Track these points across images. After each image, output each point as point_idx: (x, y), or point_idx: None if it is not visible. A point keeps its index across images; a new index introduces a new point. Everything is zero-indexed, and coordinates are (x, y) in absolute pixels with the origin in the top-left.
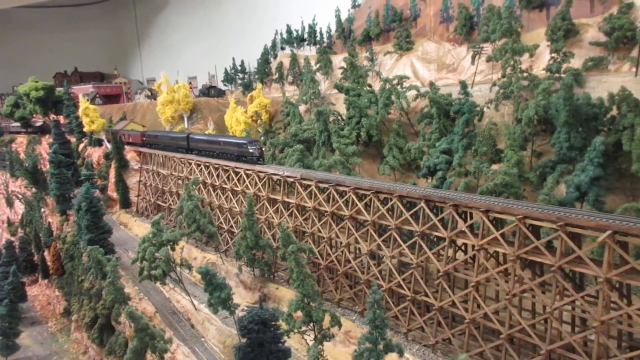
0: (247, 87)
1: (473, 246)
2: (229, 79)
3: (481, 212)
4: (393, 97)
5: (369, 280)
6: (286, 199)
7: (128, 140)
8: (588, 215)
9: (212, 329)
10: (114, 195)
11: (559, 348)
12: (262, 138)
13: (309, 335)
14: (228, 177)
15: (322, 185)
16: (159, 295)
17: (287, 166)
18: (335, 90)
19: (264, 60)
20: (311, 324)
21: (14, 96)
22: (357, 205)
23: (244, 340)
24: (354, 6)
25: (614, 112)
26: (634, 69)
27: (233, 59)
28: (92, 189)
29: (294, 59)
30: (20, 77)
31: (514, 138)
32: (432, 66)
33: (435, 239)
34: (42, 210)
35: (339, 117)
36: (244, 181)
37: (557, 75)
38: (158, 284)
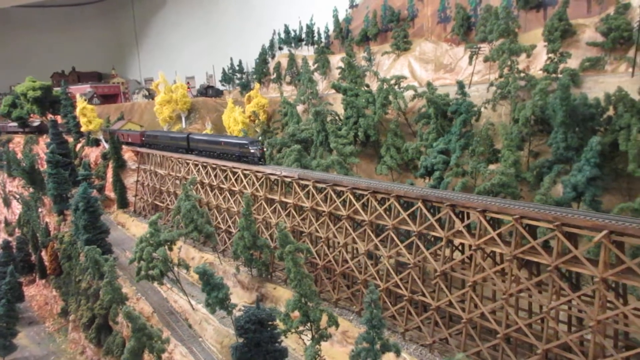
0: (245, 87)
1: (470, 246)
2: (226, 78)
3: (478, 212)
4: (390, 97)
5: (366, 280)
6: (284, 199)
7: (127, 140)
8: (584, 215)
9: (210, 329)
10: (112, 195)
11: (556, 347)
12: (260, 138)
13: (307, 335)
14: (226, 177)
15: (319, 185)
16: (156, 295)
17: (284, 166)
18: (333, 90)
19: (262, 60)
20: (308, 324)
21: (11, 96)
22: (354, 205)
23: (241, 340)
24: (351, 6)
25: (611, 112)
26: (630, 70)
27: (231, 58)
28: (89, 189)
29: (291, 59)
30: (18, 76)
31: (511, 138)
32: (430, 66)
33: (432, 239)
34: (40, 210)
35: (337, 117)
36: (242, 181)
37: (554, 75)
38: (155, 284)
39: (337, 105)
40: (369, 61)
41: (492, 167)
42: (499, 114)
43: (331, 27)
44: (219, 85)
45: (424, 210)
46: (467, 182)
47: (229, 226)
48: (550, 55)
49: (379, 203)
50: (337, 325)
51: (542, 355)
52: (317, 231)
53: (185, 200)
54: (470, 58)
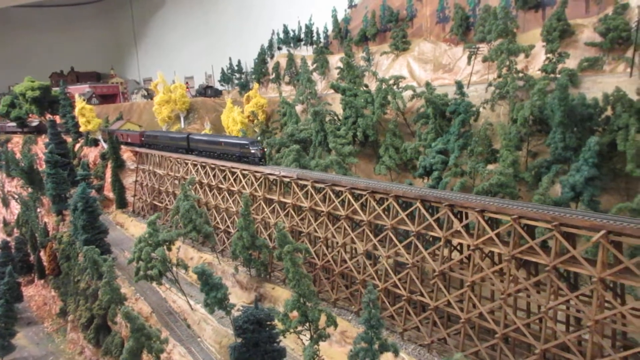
0: (244, 87)
1: (468, 246)
2: (225, 78)
3: (476, 212)
4: (389, 97)
5: (364, 280)
6: (282, 199)
7: (126, 140)
8: (582, 215)
9: (209, 329)
10: (110, 195)
11: (554, 347)
12: (259, 138)
13: (305, 335)
14: (224, 177)
15: (318, 185)
16: (155, 296)
17: (283, 166)
18: (332, 91)
19: (261, 60)
20: (307, 324)
21: (10, 96)
22: (353, 205)
23: (239, 340)
24: (350, 6)
25: (609, 112)
26: (628, 70)
27: (230, 58)
28: (88, 189)
29: (290, 59)
30: (17, 76)
31: (510, 138)
32: (429, 66)
33: (430, 239)
34: (38, 210)
35: (336, 117)
36: (241, 181)
37: (552, 75)
38: (154, 284)
39: (336, 105)
40: (367, 61)
41: (490, 167)
42: (498, 114)
43: (330, 27)
44: (217, 85)
45: (423, 210)
46: (465, 182)
47: (228, 226)
48: (548, 55)
49: (377, 203)
50: (336, 325)
51: (540, 355)
52: (316, 231)
53: (184, 200)
54: (469, 58)
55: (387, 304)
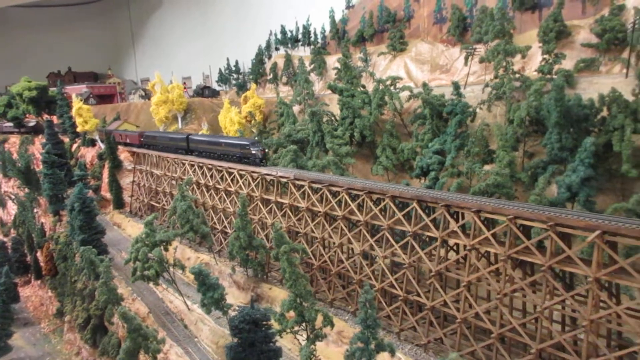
0: (242, 87)
1: (465, 246)
2: (223, 79)
3: (473, 212)
4: (386, 98)
5: (361, 280)
6: (279, 200)
7: (124, 140)
8: (578, 215)
9: (205, 329)
10: (108, 195)
11: (549, 347)
12: (257, 138)
13: (302, 335)
14: (222, 178)
15: (315, 186)
16: (152, 296)
17: (280, 166)
18: (329, 91)
19: (258, 61)
20: (304, 324)
21: (6, 96)
22: (350, 205)
23: (235, 340)
24: (348, 7)
25: (605, 113)
26: (624, 71)
27: (227, 59)
28: (85, 189)
29: (288, 59)
30: (14, 76)
31: (506, 139)
32: (426, 67)
33: (427, 239)
34: (35, 210)
35: (333, 118)
36: (238, 182)
37: (548, 76)
38: (151, 285)
39: (333, 105)
40: (365, 62)
41: (487, 167)
42: (494, 115)
43: (327, 28)
44: (215, 86)
45: (419, 211)
46: (462, 183)
47: (225, 226)
48: (545, 56)
49: (374, 203)
50: (332, 325)
51: (535, 355)
52: (313, 231)
53: (181, 201)
54: (466, 59)
55: (384, 304)
